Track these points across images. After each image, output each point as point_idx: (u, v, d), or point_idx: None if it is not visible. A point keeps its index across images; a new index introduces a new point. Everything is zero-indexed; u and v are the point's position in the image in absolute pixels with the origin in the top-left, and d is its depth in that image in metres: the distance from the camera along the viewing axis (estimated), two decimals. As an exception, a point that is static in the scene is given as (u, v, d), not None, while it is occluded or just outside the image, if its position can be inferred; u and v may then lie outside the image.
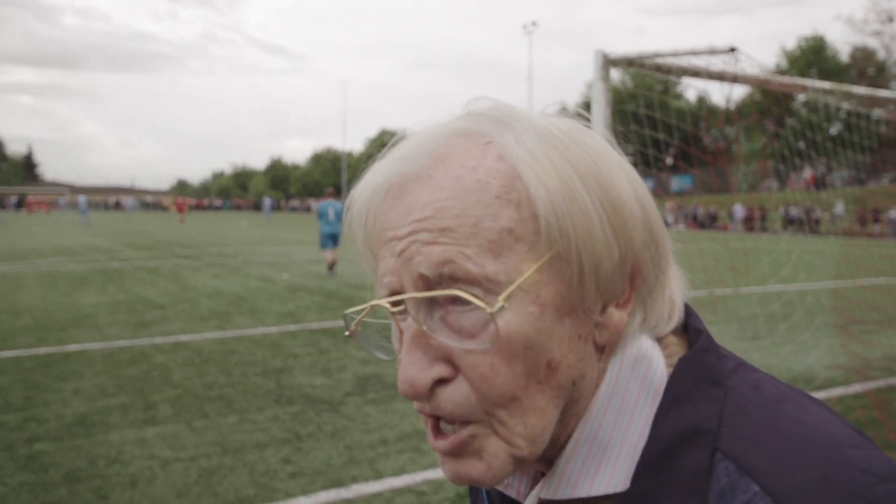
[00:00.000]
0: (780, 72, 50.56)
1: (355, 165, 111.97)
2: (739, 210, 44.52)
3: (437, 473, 4.80)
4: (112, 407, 6.26)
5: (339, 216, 17.12)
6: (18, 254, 23.50)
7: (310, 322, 10.63)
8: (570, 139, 0.65)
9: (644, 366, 0.67)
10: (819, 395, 6.36)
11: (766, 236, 34.29)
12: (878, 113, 6.15)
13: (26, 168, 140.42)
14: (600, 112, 4.12)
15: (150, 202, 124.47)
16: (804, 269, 16.37)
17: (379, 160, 0.69)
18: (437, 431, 0.65)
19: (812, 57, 61.86)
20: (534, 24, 73.33)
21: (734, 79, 4.65)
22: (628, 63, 4.34)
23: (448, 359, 0.62)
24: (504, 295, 0.59)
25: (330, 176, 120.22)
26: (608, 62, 4.18)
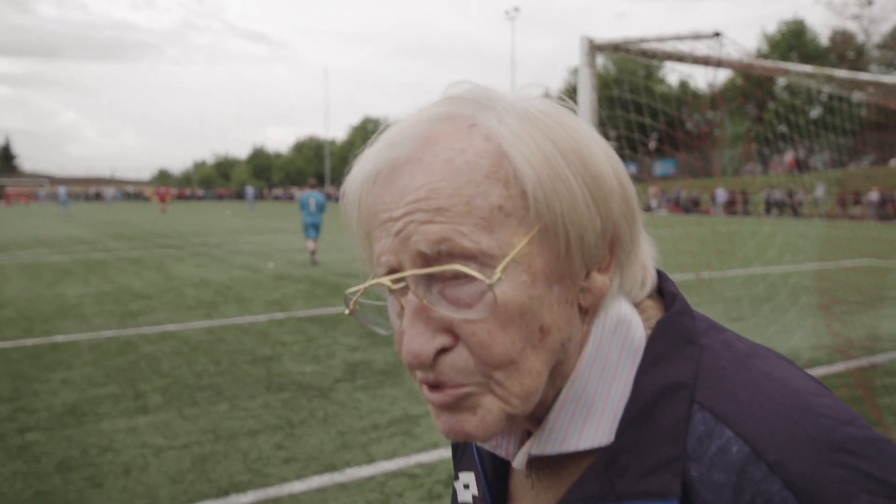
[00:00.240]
0: (762, 56, 50.74)
1: (338, 154, 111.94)
2: (722, 194, 44.81)
3: (429, 456, 4.85)
4: (102, 396, 6.25)
5: (320, 207, 17.07)
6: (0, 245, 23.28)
7: (297, 310, 10.63)
8: (549, 118, 0.69)
9: (624, 329, 0.72)
10: (803, 374, 6.45)
11: (749, 220, 34.56)
12: (857, 96, 6.22)
13: (4, 159, 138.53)
14: (587, 97, 4.14)
15: (131, 192, 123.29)
16: (788, 252, 16.53)
17: (368, 148, 0.72)
18: (433, 387, 0.68)
19: (793, 41, 62.20)
20: (516, 9, 73.23)
21: (719, 63, 4.69)
22: (614, 48, 4.36)
23: (448, 329, 0.65)
24: (500, 267, 0.63)
25: (313, 164, 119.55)
26: (594, 48, 4.20)
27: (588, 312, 0.72)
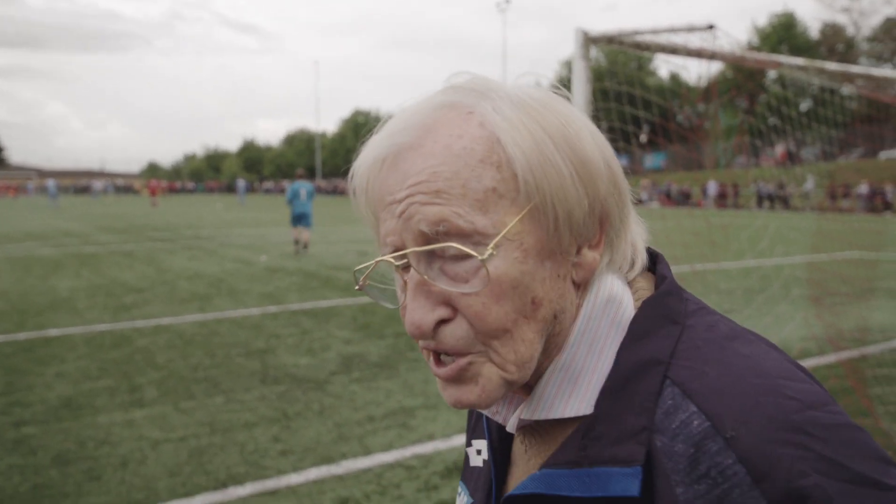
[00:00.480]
0: (753, 48, 50.82)
1: (329, 146, 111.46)
2: (713, 186, 44.92)
3: (425, 448, 4.88)
4: (97, 390, 6.25)
5: (310, 196, 17.06)
6: (-10, 239, 23.15)
7: (290, 303, 10.63)
8: (540, 105, 0.74)
9: (615, 306, 0.77)
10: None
11: (741, 212, 34.67)
12: (848, 89, 6.25)
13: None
14: (581, 89, 4.15)
15: (121, 185, 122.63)
16: (780, 244, 16.62)
17: (374, 135, 0.77)
18: (439, 361, 0.74)
19: (783, 33, 62.31)
20: (507, 1, 73.01)
21: (712, 56, 4.70)
22: (609, 41, 4.38)
23: (447, 302, 0.71)
24: (492, 244, 0.69)
25: (304, 157, 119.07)
26: (588, 40, 4.21)
27: (581, 287, 0.77)
